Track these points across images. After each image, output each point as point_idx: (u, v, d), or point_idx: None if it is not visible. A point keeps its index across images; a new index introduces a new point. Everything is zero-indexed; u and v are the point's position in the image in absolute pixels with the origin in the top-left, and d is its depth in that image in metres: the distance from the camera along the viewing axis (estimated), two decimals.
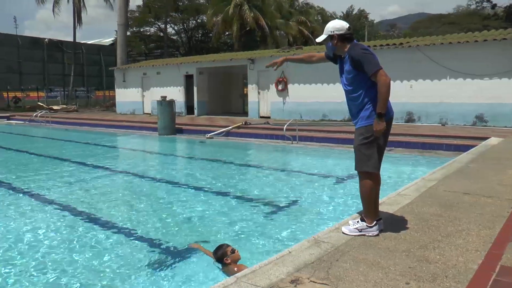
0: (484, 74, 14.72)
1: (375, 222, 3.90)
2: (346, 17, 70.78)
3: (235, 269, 4.07)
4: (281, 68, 19.50)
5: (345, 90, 4.05)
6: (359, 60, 3.74)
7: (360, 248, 3.59)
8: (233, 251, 4.37)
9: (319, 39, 4.05)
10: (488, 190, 5.55)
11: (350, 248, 3.61)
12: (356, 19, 69.65)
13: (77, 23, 38.04)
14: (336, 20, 4.04)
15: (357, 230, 3.91)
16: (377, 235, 3.88)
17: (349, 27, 3.94)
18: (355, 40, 3.98)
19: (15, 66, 35.41)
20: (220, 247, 4.46)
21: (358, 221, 3.96)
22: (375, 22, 77.95)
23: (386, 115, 3.74)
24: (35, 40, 38.19)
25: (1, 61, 34.57)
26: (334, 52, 4.08)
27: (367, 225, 3.89)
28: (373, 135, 3.77)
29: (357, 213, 4.43)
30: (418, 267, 3.21)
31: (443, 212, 4.60)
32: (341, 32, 3.90)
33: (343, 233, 3.94)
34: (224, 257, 4.30)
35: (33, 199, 7.43)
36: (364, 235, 3.87)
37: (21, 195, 7.77)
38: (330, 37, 3.94)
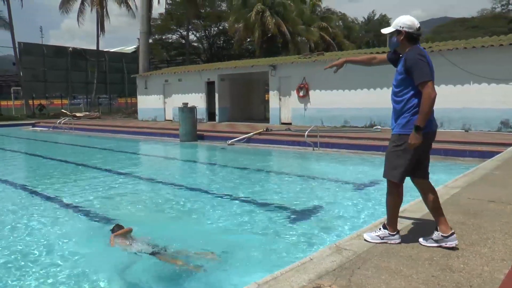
0: (509, 79, 14.45)
1: (397, 230, 3.84)
2: (367, 22, 70.41)
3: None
4: (302, 74, 19.74)
5: (392, 91, 3.91)
6: (411, 65, 3.58)
7: (382, 256, 3.56)
8: (113, 230, 5.45)
9: (386, 30, 3.86)
10: None
11: (372, 255, 3.58)
12: (378, 24, 69.14)
13: (100, 31, 38.65)
14: (408, 16, 3.82)
15: (378, 238, 3.85)
16: (399, 243, 3.81)
17: (419, 27, 3.73)
18: (418, 44, 3.78)
19: (41, 75, 36.12)
20: (116, 225, 5.62)
21: (380, 228, 3.90)
22: None
23: (426, 128, 3.58)
24: (60, 49, 38.90)
25: (27, 70, 35.30)
26: (396, 48, 3.88)
27: (389, 233, 3.83)
28: (404, 144, 3.64)
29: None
30: (441, 276, 3.16)
31: (467, 220, 4.52)
32: (410, 30, 3.70)
33: (364, 240, 3.90)
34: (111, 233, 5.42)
35: (57, 204, 7.56)
36: (386, 242, 3.81)
37: (44, 200, 7.90)
38: (397, 32, 3.75)
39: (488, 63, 14.87)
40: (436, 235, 3.72)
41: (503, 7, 54.30)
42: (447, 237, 3.67)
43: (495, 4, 56.15)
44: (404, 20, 3.73)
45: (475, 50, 15.17)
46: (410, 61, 3.59)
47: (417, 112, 3.59)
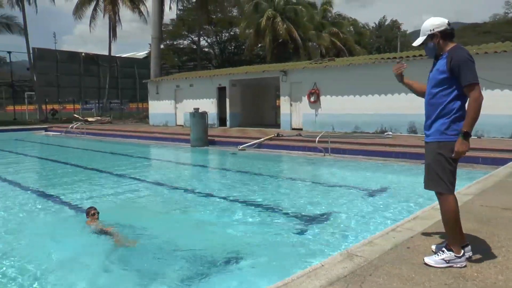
0: None
1: (462, 251, 3.47)
2: (378, 28, 70.27)
3: (92, 225, 6.15)
4: (313, 79, 19.73)
5: (427, 92, 3.66)
6: (459, 64, 3.36)
7: (394, 263, 3.54)
8: (93, 214, 6.35)
9: (417, 43, 3.69)
10: None
11: (384, 262, 3.55)
12: (389, 29, 69.01)
13: (112, 37, 38.99)
14: (432, 17, 3.63)
15: (444, 261, 3.45)
16: (465, 266, 3.46)
17: (448, 22, 3.55)
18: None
19: (54, 80, 36.51)
20: (90, 207, 6.56)
21: (444, 251, 3.51)
22: (408, 32, 76.91)
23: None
24: (72, 54, 39.32)
25: (41, 75, 35.70)
26: (436, 52, 3.62)
27: (455, 255, 3.45)
28: (445, 152, 3.44)
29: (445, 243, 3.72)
30: (454, 284, 3.13)
31: (480, 228, 4.48)
32: (442, 28, 3.52)
33: (425, 263, 3.49)
34: (87, 216, 6.40)
35: (67, 208, 7.61)
36: (451, 266, 3.44)
37: (54, 203, 7.96)
38: (431, 37, 3.57)
39: (501, 69, 14.75)
40: (448, 254, 3.48)
41: None
42: (460, 257, 3.47)
43: (508, 9, 55.82)
44: (431, 23, 3.57)
45: (488, 55, 15.07)
46: (458, 59, 3.39)
47: (458, 117, 3.44)
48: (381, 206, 7.20)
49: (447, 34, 3.54)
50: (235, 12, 49.19)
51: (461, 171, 10.49)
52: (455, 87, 3.44)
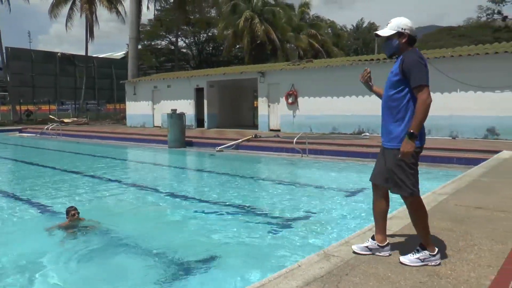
0: (495, 87, 14.64)
1: (437, 249, 3.52)
2: (356, 30, 70.94)
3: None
4: (291, 81, 19.79)
5: (384, 95, 3.66)
6: (410, 66, 3.36)
7: (370, 262, 3.56)
8: (73, 215, 6.25)
9: (383, 33, 3.58)
10: (501, 205, 5.49)
11: (360, 262, 3.58)
12: (366, 32, 69.69)
13: (89, 37, 38.49)
14: (405, 18, 3.58)
15: (419, 260, 3.47)
16: (439, 264, 3.48)
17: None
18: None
19: (28, 80, 35.85)
20: (70, 207, 6.44)
21: (418, 249, 3.53)
22: None
23: (422, 141, 3.44)
24: (48, 54, 38.65)
25: (15, 75, 35.00)
26: (394, 51, 3.60)
27: (430, 254, 3.49)
28: (410, 159, 3.41)
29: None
30: (429, 282, 3.17)
31: (454, 227, 4.55)
32: (412, 33, 3.51)
33: (401, 262, 3.51)
34: (67, 215, 6.32)
35: (39, 211, 7.48)
36: (426, 265, 3.47)
37: (28, 206, 7.83)
38: (399, 34, 3.51)
39: (475, 71, 15.05)
40: (423, 253, 3.52)
41: (488, 17, 54.95)
42: (434, 255, 3.51)
43: (480, 13, 56.86)
44: (405, 22, 3.53)
45: (462, 58, 15.36)
46: (409, 62, 3.39)
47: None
48: (358, 207, 7.26)
49: (413, 40, 3.55)
50: (213, 13, 49.05)
51: (436, 171, 10.69)
52: (408, 90, 3.45)
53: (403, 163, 3.44)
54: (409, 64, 3.38)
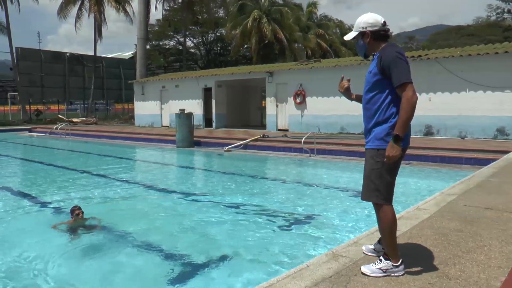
0: (505, 87, 14.53)
1: (401, 260, 3.31)
2: None
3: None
4: (299, 80, 19.77)
5: (363, 97, 3.47)
6: (389, 64, 3.13)
7: None
8: (77, 214, 6.28)
9: (348, 37, 3.45)
10: (511, 205, 5.44)
11: (369, 262, 3.57)
12: None
13: (98, 37, 38.67)
14: (369, 13, 3.38)
15: (381, 271, 3.29)
16: (403, 274, 3.30)
17: (384, 21, 3.32)
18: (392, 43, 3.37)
19: (38, 80, 36.09)
20: (75, 206, 6.49)
21: (381, 260, 3.34)
22: (393, 34, 77.49)
23: (406, 141, 3.19)
24: (57, 54, 38.89)
25: (24, 75, 35.27)
26: (366, 52, 3.44)
27: (393, 265, 3.29)
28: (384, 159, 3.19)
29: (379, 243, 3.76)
30: (438, 283, 3.15)
31: (463, 227, 4.52)
32: (375, 28, 3.29)
33: (362, 273, 3.32)
34: (71, 215, 6.35)
35: (45, 209, 7.53)
36: (389, 275, 3.28)
37: (34, 204, 7.88)
38: (362, 34, 3.36)
39: (484, 70, 14.95)
40: (386, 264, 3.32)
41: (498, 16, 54.63)
42: (397, 266, 3.31)
43: (490, 12, 56.53)
44: (365, 19, 3.34)
45: (471, 57, 15.26)
46: (387, 59, 3.15)
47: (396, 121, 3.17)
48: (367, 206, 7.24)
49: (379, 35, 3.33)
50: (221, 13, 49.13)
51: (445, 171, 10.63)
52: (390, 89, 3.22)
53: (380, 165, 3.24)
54: (387, 62, 3.15)
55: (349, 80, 3.81)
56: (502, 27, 51.71)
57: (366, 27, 3.32)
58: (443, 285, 3.11)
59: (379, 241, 3.74)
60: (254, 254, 5.10)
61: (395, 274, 3.28)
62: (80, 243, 5.65)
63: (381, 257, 3.37)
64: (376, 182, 3.26)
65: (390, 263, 3.30)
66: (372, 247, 3.77)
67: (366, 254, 3.74)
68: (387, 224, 3.28)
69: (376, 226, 4.29)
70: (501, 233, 4.32)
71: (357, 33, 3.38)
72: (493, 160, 10.09)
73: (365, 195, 3.36)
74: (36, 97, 36.92)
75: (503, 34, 46.11)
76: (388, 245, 3.33)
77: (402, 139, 3.10)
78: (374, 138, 3.30)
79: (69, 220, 6.37)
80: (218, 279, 4.46)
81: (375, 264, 3.35)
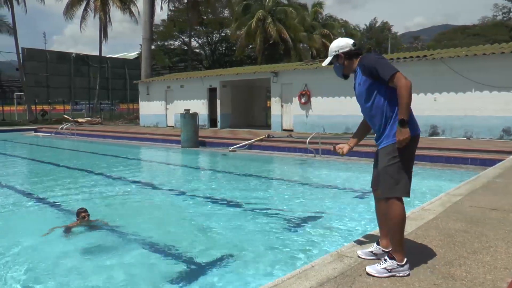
0: (511, 87, 14.46)
1: (405, 259, 3.35)
2: (369, 29, 70.59)
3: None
4: (304, 81, 19.77)
5: (363, 109, 3.63)
6: (373, 67, 3.36)
7: None
8: (83, 217, 6.25)
9: (325, 63, 3.78)
10: None
11: (374, 263, 3.56)
12: (379, 31, 69.36)
13: (103, 37, 38.80)
14: (339, 38, 3.78)
15: (386, 271, 3.32)
16: (408, 274, 3.34)
17: (354, 43, 3.65)
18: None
19: (43, 80, 36.25)
20: (81, 208, 6.44)
21: (386, 259, 3.38)
22: (398, 34, 77.38)
23: (412, 131, 3.29)
24: (63, 54, 39.05)
25: (30, 76, 35.44)
26: (343, 72, 3.74)
27: (397, 264, 3.33)
28: (402, 153, 3.31)
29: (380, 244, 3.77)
30: (443, 284, 3.14)
31: (469, 228, 4.51)
32: (346, 49, 3.62)
33: (367, 273, 3.35)
34: (77, 217, 6.34)
35: (56, 210, 7.55)
36: (394, 275, 3.31)
37: (44, 206, 7.91)
38: (336, 57, 3.68)
39: (490, 70, 14.88)
40: (391, 263, 3.36)
41: (504, 15, 54.43)
42: (402, 265, 3.35)
43: (496, 12, 56.34)
44: (336, 44, 3.69)
45: (477, 57, 15.20)
46: (370, 62, 3.42)
47: None
48: (371, 207, 7.22)
49: (351, 54, 3.63)
50: (226, 13, 49.19)
51: (451, 171, 10.60)
52: (384, 88, 3.39)
53: (397, 160, 3.34)
54: (371, 65, 3.40)
55: (339, 148, 4.02)
56: (508, 26, 51.50)
57: (338, 50, 3.66)
58: (448, 286, 3.10)
59: (377, 243, 3.74)
60: (258, 254, 5.10)
61: (400, 273, 3.31)
62: (84, 245, 5.66)
63: (386, 257, 3.39)
64: (395, 176, 3.35)
65: (395, 262, 3.33)
66: (370, 249, 3.75)
67: (363, 258, 3.68)
68: (399, 221, 3.35)
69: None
70: (507, 234, 4.30)
71: (331, 57, 3.71)
72: (499, 160, 10.04)
73: (386, 191, 3.41)
74: (42, 97, 37.10)
75: (509, 34, 45.94)
76: (397, 243, 3.38)
77: (407, 123, 3.24)
78: (388, 136, 3.40)
79: (74, 222, 6.37)
80: (222, 278, 4.46)
81: (380, 264, 3.38)
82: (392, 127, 3.37)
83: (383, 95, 3.40)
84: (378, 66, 3.35)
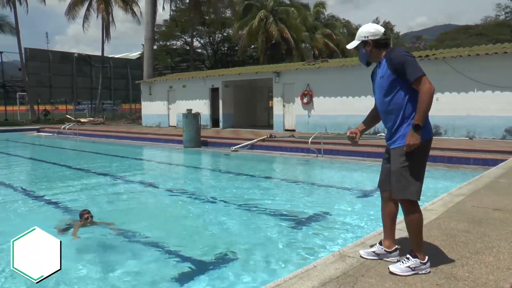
0: None
1: (427, 257, 3.38)
2: None
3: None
4: (306, 80, 19.77)
5: (380, 102, 3.57)
6: (401, 63, 3.27)
7: (386, 263, 3.54)
8: (86, 218, 6.21)
9: (351, 46, 3.66)
10: None
11: (376, 263, 3.56)
12: None
13: (106, 37, 38.83)
14: (370, 24, 3.62)
15: (410, 269, 3.32)
16: (430, 272, 3.36)
17: (385, 31, 3.54)
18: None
19: (46, 80, 36.31)
20: (84, 210, 6.44)
21: (408, 258, 3.37)
22: (400, 34, 77.26)
23: (426, 134, 3.29)
24: (65, 54, 39.12)
25: (33, 76, 35.50)
26: (368, 60, 3.64)
27: (420, 262, 3.34)
28: (416, 155, 3.33)
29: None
30: (446, 284, 3.14)
31: (471, 228, 4.50)
32: (376, 37, 3.50)
33: (390, 272, 3.34)
34: (80, 218, 6.28)
35: (58, 209, 7.57)
36: (417, 273, 3.32)
37: (46, 204, 7.92)
38: (364, 43, 3.54)
39: (493, 70, 14.85)
40: (414, 261, 3.37)
41: (507, 15, 54.35)
42: (425, 263, 3.37)
43: (499, 11, 56.27)
44: (366, 29, 3.54)
45: (479, 57, 15.16)
46: (398, 58, 3.32)
47: None
48: (374, 207, 7.22)
49: (380, 43, 3.53)
50: (228, 13, 49.19)
51: (453, 171, 10.58)
52: (406, 86, 3.33)
53: (412, 161, 3.35)
54: (398, 61, 3.31)
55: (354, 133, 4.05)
56: (511, 26, 51.38)
57: (368, 36, 3.52)
58: (451, 286, 3.10)
59: (380, 243, 3.73)
60: (260, 254, 5.10)
61: (423, 271, 3.35)
62: (88, 246, 5.67)
63: (408, 255, 3.40)
64: (408, 178, 3.34)
65: (418, 260, 3.36)
66: (373, 249, 3.73)
67: (366, 258, 3.67)
68: (417, 220, 3.39)
69: (381, 228, 4.27)
70: (510, 234, 4.30)
71: (359, 42, 3.57)
72: (502, 160, 10.03)
73: (397, 192, 3.42)
74: (44, 97, 37.17)
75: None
76: (417, 242, 3.41)
77: (421, 129, 3.23)
78: (403, 136, 3.36)
79: (77, 223, 6.36)
80: (225, 278, 4.46)
81: (403, 262, 3.39)
82: (409, 127, 3.33)
83: (404, 92, 3.36)
84: (406, 63, 3.27)
